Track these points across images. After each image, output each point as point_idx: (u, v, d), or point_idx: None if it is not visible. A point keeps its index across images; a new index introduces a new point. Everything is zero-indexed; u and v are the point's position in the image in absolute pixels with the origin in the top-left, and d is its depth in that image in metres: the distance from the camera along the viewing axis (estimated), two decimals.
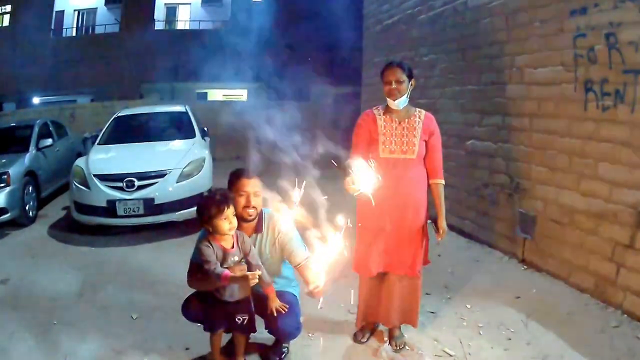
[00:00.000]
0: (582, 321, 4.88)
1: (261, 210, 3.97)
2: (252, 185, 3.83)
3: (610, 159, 5.08)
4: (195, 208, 7.54)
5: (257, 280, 3.41)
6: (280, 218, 3.99)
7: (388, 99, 4.15)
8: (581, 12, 5.33)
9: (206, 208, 3.57)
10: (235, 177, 3.89)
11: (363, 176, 3.79)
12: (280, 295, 3.90)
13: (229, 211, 3.57)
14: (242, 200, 3.80)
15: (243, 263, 3.63)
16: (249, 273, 3.40)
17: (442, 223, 4.23)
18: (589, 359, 4.19)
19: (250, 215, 3.84)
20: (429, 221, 4.26)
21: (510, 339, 4.56)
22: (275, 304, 3.80)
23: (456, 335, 4.63)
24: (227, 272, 3.45)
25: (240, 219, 3.80)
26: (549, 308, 5.17)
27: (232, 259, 3.60)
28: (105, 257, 7.09)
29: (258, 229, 3.96)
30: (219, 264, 3.53)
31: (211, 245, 3.60)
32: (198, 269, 3.69)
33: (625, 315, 4.86)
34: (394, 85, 4.07)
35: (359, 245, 4.28)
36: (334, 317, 4.96)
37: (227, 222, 3.57)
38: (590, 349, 4.32)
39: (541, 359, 4.23)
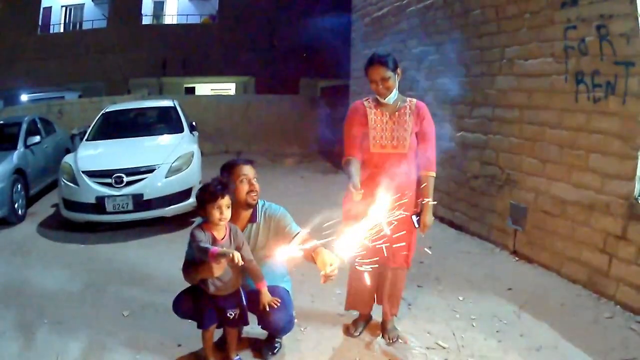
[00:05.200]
0: (575, 312, 4.89)
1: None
2: (249, 169, 3.88)
3: (602, 150, 5.09)
4: (183, 203, 7.64)
5: (239, 260, 3.32)
6: (274, 207, 4.06)
7: (377, 96, 4.11)
8: (572, 3, 5.33)
9: (202, 193, 3.58)
10: (231, 165, 3.91)
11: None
12: (273, 289, 3.90)
13: (223, 201, 3.54)
14: (244, 186, 3.83)
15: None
16: (231, 251, 3.33)
17: (426, 218, 4.13)
18: (583, 350, 4.19)
19: (254, 199, 3.87)
20: (414, 216, 4.18)
21: (503, 331, 4.56)
22: (267, 298, 3.79)
23: (449, 328, 4.63)
24: (215, 248, 3.41)
25: (244, 205, 3.85)
26: (541, 299, 5.18)
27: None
28: (95, 254, 7.04)
29: (253, 218, 3.98)
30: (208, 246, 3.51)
31: (203, 231, 3.59)
32: (191, 261, 3.68)
33: (618, 306, 4.88)
34: (380, 85, 3.99)
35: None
36: (327, 312, 4.95)
37: (218, 211, 3.54)
38: (583, 340, 4.33)
39: (534, 350, 4.23)
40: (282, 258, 3.49)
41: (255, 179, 3.89)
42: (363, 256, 3.74)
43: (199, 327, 3.93)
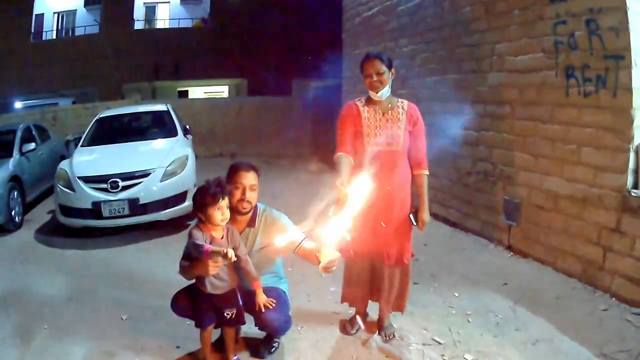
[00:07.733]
0: (571, 305, 4.91)
1: (256, 205, 3.98)
2: (249, 179, 3.85)
3: (594, 144, 5.12)
4: (179, 207, 7.62)
5: (232, 256, 3.35)
6: (274, 213, 4.06)
7: (370, 92, 4.14)
8: None
9: (202, 196, 3.58)
10: (233, 169, 3.90)
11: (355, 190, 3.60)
12: (269, 290, 3.93)
13: (223, 202, 3.58)
14: (237, 193, 3.81)
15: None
16: (224, 249, 3.37)
17: (424, 215, 4.20)
18: (579, 343, 4.21)
19: (245, 209, 3.85)
20: (411, 214, 4.24)
21: (499, 326, 4.59)
22: (262, 299, 3.83)
23: (445, 324, 4.65)
24: (208, 246, 3.44)
25: (235, 211, 3.82)
26: (536, 293, 5.20)
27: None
28: (92, 259, 7.05)
29: (251, 223, 3.98)
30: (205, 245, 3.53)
31: (202, 232, 3.62)
32: (188, 256, 3.71)
33: (614, 299, 4.90)
34: (374, 78, 4.04)
35: None
36: (323, 310, 4.97)
37: (219, 212, 3.57)
38: (579, 333, 4.36)
39: (531, 344, 4.25)
40: (281, 244, 3.56)
41: (252, 187, 3.87)
42: (357, 251, 3.78)
43: (197, 326, 3.95)
